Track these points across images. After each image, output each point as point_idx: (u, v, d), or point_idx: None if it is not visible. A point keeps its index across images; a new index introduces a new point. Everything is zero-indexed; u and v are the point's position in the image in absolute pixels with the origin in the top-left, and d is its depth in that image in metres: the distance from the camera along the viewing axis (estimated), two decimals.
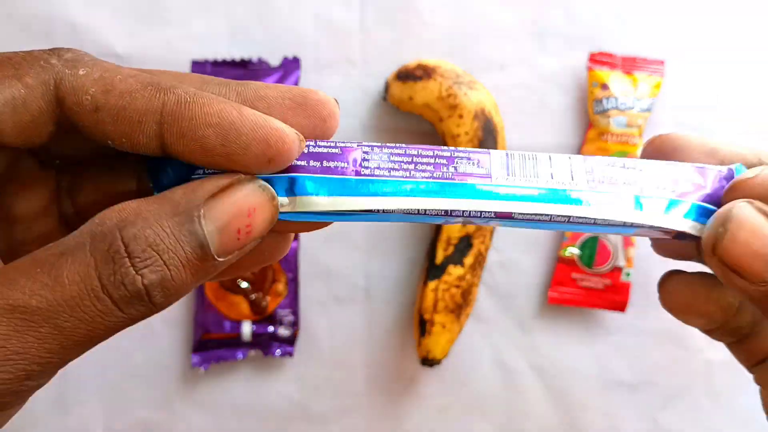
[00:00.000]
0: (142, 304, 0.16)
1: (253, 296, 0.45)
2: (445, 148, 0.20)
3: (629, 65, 0.46)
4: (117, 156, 0.19)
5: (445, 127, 0.44)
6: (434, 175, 0.20)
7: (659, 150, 0.22)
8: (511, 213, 0.20)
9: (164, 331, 0.46)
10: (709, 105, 0.48)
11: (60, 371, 0.49)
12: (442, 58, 0.46)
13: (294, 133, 0.18)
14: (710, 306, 0.21)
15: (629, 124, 0.46)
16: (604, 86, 0.46)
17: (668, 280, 0.22)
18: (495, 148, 0.43)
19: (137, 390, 0.46)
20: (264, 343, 0.46)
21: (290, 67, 0.45)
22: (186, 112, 0.17)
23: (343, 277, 0.47)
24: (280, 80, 0.45)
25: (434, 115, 0.44)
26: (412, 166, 0.20)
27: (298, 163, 0.19)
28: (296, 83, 0.45)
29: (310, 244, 0.47)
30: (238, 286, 0.45)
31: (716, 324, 0.22)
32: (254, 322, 0.45)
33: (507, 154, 0.20)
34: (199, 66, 0.44)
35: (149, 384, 0.46)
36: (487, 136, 0.43)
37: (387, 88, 0.44)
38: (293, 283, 0.46)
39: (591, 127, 0.47)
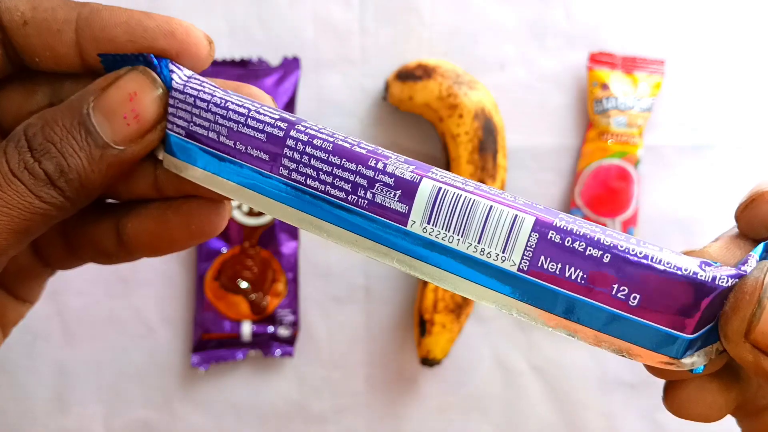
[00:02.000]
0: (51, 188, 0.18)
1: (252, 296, 0.45)
2: (373, 160, 0.18)
3: (629, 65, 0.46)
4: (32, 77, 0.21)
5: (445, 127, 0.44)
6: (347, 198, 0.18)
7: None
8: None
9: (164, 330, 0.46)
10: (709, 105, 0.48)
11: (60, 371, 0.49)
12: (442, 58, 0.46)
13: (201, 32, 0.20)
14: (729, 408, 0.19)
15: (629, 124, 0.46)
16: (604, 86, 0.46)
17: (678, 389, 0.19)
18: (495, 148, 0.43)
19: (137, 390, 0.46)
20: (264, 343, 0.46)
21: (290, 67, 0.45)
22: (97, 18, 0.19)
23: (342, 277, 0.47)
24: (280, 80, 0.45)
25: (434, 115, 0.44)
26: (328, 180, 0.18)
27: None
28: (296, 83, 0.45)
29: (310, 244, 0.47)
30: (238, 286, 0.45)
31: (719, 418, 0.19)
32: (254, 322, 0.45)
33: (439, 191, 0.17)
34: None
35: (149, 384, 0.46)
36: (487, 136, 0.43)
37: (387, 88, 0.44)
38: (293, 283, 0.46)
39: (591, 127, 0.47)
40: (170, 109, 0.20)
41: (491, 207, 0.17)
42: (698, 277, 0.16)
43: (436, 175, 0.18)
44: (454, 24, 0.47)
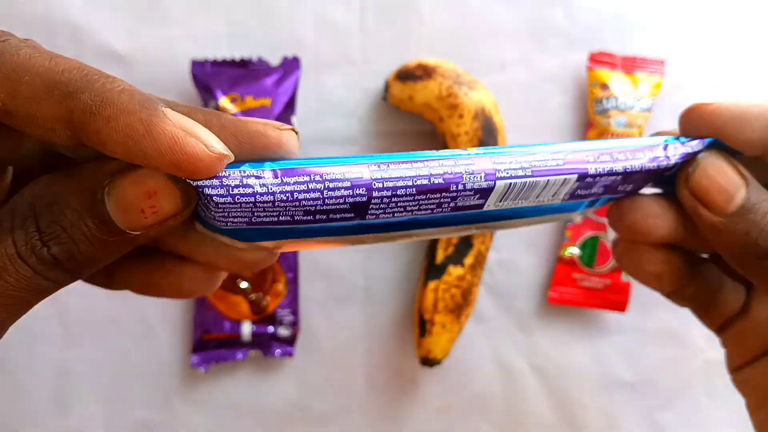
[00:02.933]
0: (60, 271, 0.17)
1: (252, 296, 0.45)
2: (453, 185, 0.20)
3: (629, 65, 0.46)
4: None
5: (445, 127, 0.44)
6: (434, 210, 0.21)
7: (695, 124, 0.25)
8: (495, 172, 0.20)
9: (164, 331, 0.46)
10: None
11: (60, 371, 0.49)
12: (442, 58, 0.46)
13: (214, 154, 0.17)
14: (662, 267, 0.25)
15: (629, 124, 0.46)
16: (604, 86, 0.46)
17: (620, 243, 0.26)
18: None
19: (137, 390, 0.46)
20: (264, 343, 0.46)
21: (290, 66, 0.45)
22: (93, 126, 0.16)
23: (343, 277, 0.47)
24: (280, 80, 0.45)
25: (434, 115, 0.44)
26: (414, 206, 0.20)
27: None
28: (296, 83, 0.45)
29: None
30: (238, 286, 0.45)
31: (669, 289, 0.25)
32: (254, 322, 0.45)
33: (509, 186, 0.21)
34: (199, 66, 0.44)
35: (149, 384, 0.46)
36: (487, 136, 0.43)
37: (387, 88, 0.44)
38: (293, 283, 0.46)
39: (591, 127, 0.47)
40: (217, 213, 0.18)
41: (548, 181, 0.21)
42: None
43: (504, 172, 0.20)
44: (454, 24, 0.47)
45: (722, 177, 0.22)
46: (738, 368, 0.25)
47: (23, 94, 0.16)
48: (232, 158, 0.17)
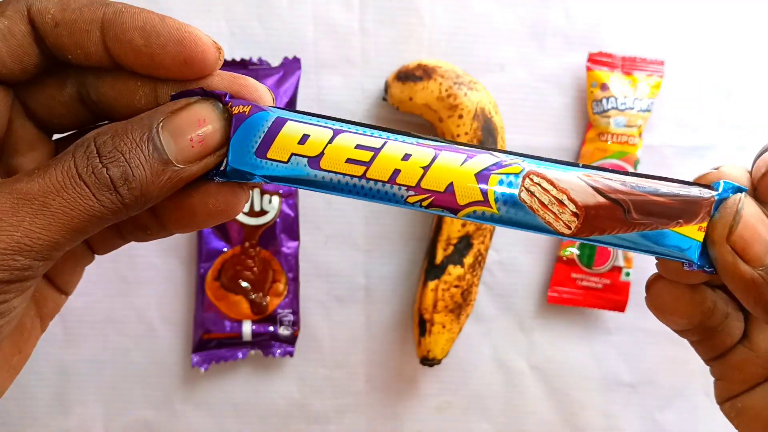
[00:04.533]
0: (111, 193, 0.19)
1: (253, 296, 0.45)
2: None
3: (629, 65, 0.46)
4: (62, 71, 0.23)
5: (445, 128, 0.44)
6: None
7: None
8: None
9: (164, 330, 0.46)
10: (709, 105, 0.48)
11: (60, 371, 0.49)
12: (442, 58, 0.46)
13: (210, 40, 0.21)
14: (692, 308, 0.24)
15: (629, 124, 0.46)
16: (604, 86, 0.46)
17: (655, 284, 0.24)
18: (495, 148, 0.44)
19: (137, 390, 0.46)
20: (264, 343, 0.46)
21: (290, 67, 0.45)
22: (119, 20, 0.20)
23: (343, 277, 0.47)
24: (281, 80, 0.45)
25: (434, 116, 0.44)
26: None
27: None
28: (297, 83, 0.45)
29: (310, 244, 0.47)
30: (239, 286, 0.45)
31: (693, 325, 0.24)
32: (254, 322, 0.45)
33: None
34: None
35: (149, 384, 0.46)
36: (487, 136, 0.43)
37: (387, 88, 0.44)
38: (293, 283, 0.46)
39: (590, 128, 0.47)
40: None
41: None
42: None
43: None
44: (454, 24, 0.47)
45: (763, 227, 0.21)
46: (733, 397, 0.25)
47: (71, 6, 0.21)
48: (224, 55, 0.22)
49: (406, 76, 0.44)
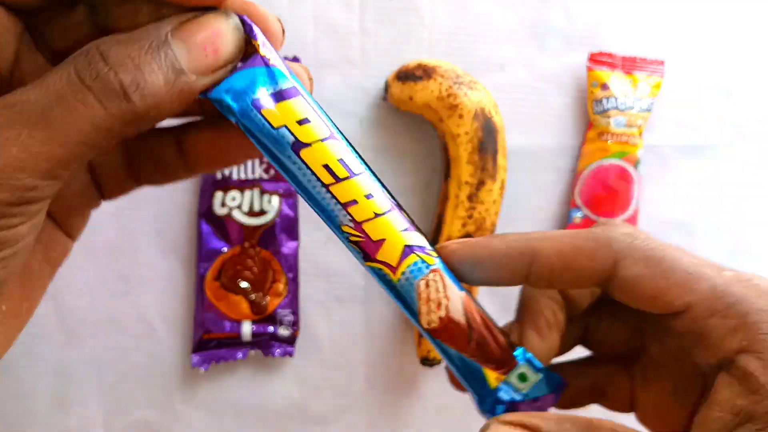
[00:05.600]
0: (123, 101, 0.17)
1: (253, 296, 0.45)
2: None
3: (629, 65, 0.46)
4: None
5: (445, 127, 0.44)
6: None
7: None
8: None
9: (164, 330, 0.46)
10: (709, 105, 0.48)
11: (60, 371, 0.49)
12: (442, 58, 0.46)
13: (275, 15, 0.20)
14: None
15: (629, 124, 0.46)
16: (604, 86, 0.46)
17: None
18: (495, 148, 0.44)
19: (137, 390, 0.46)
20: (264, 343, 0.46)
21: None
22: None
23: (343, 277, 0.47)
24: None
25: (434, 115, 0.44)
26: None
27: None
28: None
29: (310, 244, 0.47)
30: (239, 286, 0.45)
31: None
32: (254, 322, 0.45)
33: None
34: None
35: (149, 384, 0.46)
36: (487, 136, 0.43)
37: (387, 88, 0.44)
38: (293, 283, 0.46)
39: (591, 127, 0.47)
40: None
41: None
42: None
43: None
44: (454, 24, 0.47)
45: None
46: None
47: None
48: None
49: (406, 75, 0.44)
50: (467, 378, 0.24)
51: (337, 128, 0.22)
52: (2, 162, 0.16)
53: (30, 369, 0.46)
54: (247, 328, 0.45)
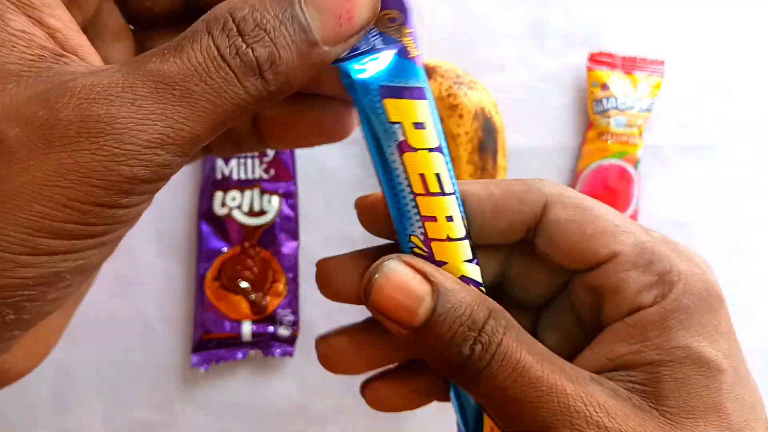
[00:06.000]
0: (257, 78, 0.17)
1: (253, 296, 0.45)
2: None
3: (629, 65, 0.46)
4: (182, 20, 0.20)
5: (445, 127, 0.44)
6: None
7: None
8: None
9: (164, 331, 0.46)
10: (709, 105, 0.48)
11: (60, 371, 0.49)
12: (442, 58, 0.46)
13: None
14: (363, 362, 0.24)
15: (629, 124, 0.46)
16: (604, 86, 0.46)
17: (326, 341, 0.24)
18: (495, 148, 0.44)
19: (137, 390, 0.46)
20: (264, 343, 0.46)
21: None
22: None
23: None
24: None
25: None
26: None
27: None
28: None
29: (310, 244, 0.47)
30: (239, 286, 0.45)
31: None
32: (254, 322, 0.45)
33: None
34: None
35: (149, 384, 0.46)
36: (487, 136, 0.43)
37: None
38: (293, 283, 0.46)
39: (591, 127, 0.47)
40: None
41: None
42: None
43: None
44: (454, 24, 0.47)
45: (402, 293, 0.20)
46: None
47: None
48: None
49: None
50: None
51: (445, 142, 0.21)
52: (147, 137, 0.16)
53: None
54: (247, 328, 0.45)
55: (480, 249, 0.22)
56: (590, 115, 0.47)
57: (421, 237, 0.21)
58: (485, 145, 0.43)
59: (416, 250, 0.21)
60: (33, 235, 0.15)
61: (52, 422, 0.46)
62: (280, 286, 0.46)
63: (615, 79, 0.46)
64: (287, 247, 0.46)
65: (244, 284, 0.45)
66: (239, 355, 0.45)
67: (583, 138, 0.47)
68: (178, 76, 0.16)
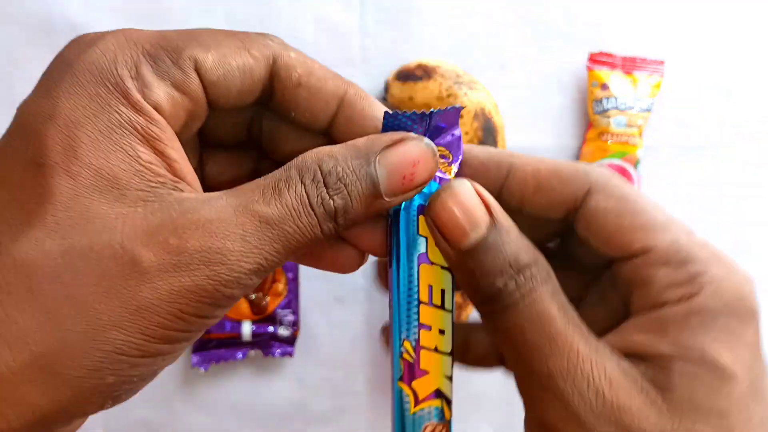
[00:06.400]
0: (331, 223, 0.20)
1: (253, 296, 0.45)
2: None
3: (629, 65, 0.46)
4: (241, 147, 0.24)
5: None
6: None
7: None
8: None
9: None
10: (709, 105, 0.48)
11: None
12: (442, 58, 0.46)
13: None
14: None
15: (629, 124, 0.46)
16: (604, 86, 0.46)
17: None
18: (495, 147, 0.44)
19: None
20: (264, 343, 0.46)
21: None
22: (359, 104, 0.22)
23: (343, 277, 0.47)
24: None
25: None
26: None
27: None
28: None
29: None
30: None
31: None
32: (254, 322, 0.45)
33: None
34: None
35: (149, 384, 0.46)
36: (487, 136, 0.43)
37: (387, 88, 0.44)
38: (293, 283, 0.46)
39: (591, 127, 0.47)
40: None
41: None
42: None
43: None
44: (454, 24, 0.47)
45: (463, 211, 0.21)
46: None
47: (317, 74, 0.24)
48: None
49: (406, 75, 0.44)
50: None
51: None
52: (249, 267, 0.19)
53: None
54: (247, 328, 0.45)
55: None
56: (590, 115, 0.47)
57: (413, 343, 0.23)
58: (485, 145, 0.43)
59: (405, 354, 0.23)
60: (149, 342, 0.18)
61: None
62: (280, 286, 0.46)
63: (615, 79, 0.46)
64: None
65: None
66: (239, 355, 0.46)
67: (583, 138, 0.47)
68: (278, 219, 0.19)
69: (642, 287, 0.21)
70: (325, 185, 0.20)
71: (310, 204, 0.20)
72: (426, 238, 0.22)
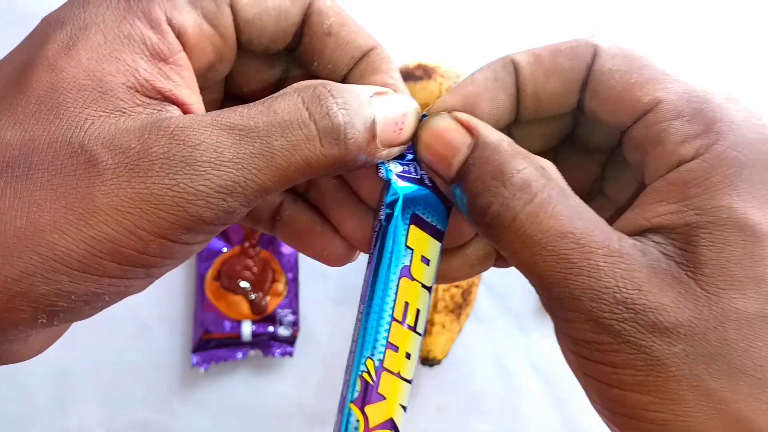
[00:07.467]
0: (335, 144, 0.18)
1: (253, 296, 0.45)
2: None
3: None
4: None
5: None
6: None
7: None
8: None
9: (164, 331, 0.46)
10: None
11: (60, 371, 0.49)
12: (442, 58, 0.46)
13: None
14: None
15: None
16: None
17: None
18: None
19: (137, 390, 0.46)
20: (264, 343, 0.46)
21: None
22: (378, 65, 0.22)
23: (342, 277, 0.47)
24: None
25: None
26: None
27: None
28: None
29: None
30: (238, 286, 0.45)
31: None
32: (254, 322, 0.45)
33: None
34: None
35: (149, 384, 0.46)
36: None
37: None
38: (293, 283, 0.46)
39: None
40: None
41: None
42: None
43: None
44: (454, 24, 0.47)
45: (441, 143, 0.20)
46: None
47: (349, 26, 0.22)
48: None
49: (406, 75, 0.44)
50: None
51: (432, 292, 0.22)
52: (219, 182, 0.17)
53: (28, 370, 0.46)
54: (247, 328, 0.45)
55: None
56: None
57: (377, 363, 0.21)
58: None
59: (365, 375, 0.21)
60: (93, 254, 0.16)
61: (52, 422, 0.46)
62: (280, 286, 0.46)
63: None
64: (287, 247, 0.46)
65: (244, 284, 0.45)
66: (239, 355, 0.46)
67: None
68: (262, 129, 0.17)
69: (654, 147, 0.18)
70: (333, 97, 0.18)
71: (309, 113, 0.18)
72: (412, 252, 0.21)
